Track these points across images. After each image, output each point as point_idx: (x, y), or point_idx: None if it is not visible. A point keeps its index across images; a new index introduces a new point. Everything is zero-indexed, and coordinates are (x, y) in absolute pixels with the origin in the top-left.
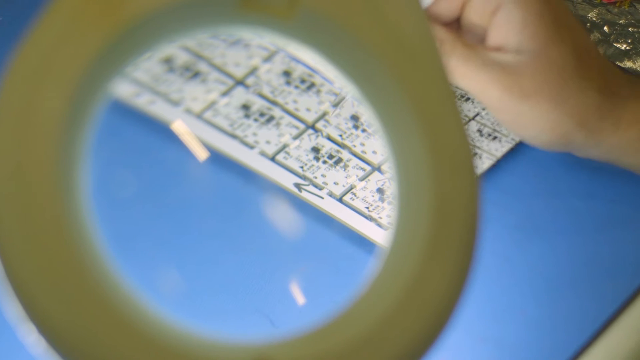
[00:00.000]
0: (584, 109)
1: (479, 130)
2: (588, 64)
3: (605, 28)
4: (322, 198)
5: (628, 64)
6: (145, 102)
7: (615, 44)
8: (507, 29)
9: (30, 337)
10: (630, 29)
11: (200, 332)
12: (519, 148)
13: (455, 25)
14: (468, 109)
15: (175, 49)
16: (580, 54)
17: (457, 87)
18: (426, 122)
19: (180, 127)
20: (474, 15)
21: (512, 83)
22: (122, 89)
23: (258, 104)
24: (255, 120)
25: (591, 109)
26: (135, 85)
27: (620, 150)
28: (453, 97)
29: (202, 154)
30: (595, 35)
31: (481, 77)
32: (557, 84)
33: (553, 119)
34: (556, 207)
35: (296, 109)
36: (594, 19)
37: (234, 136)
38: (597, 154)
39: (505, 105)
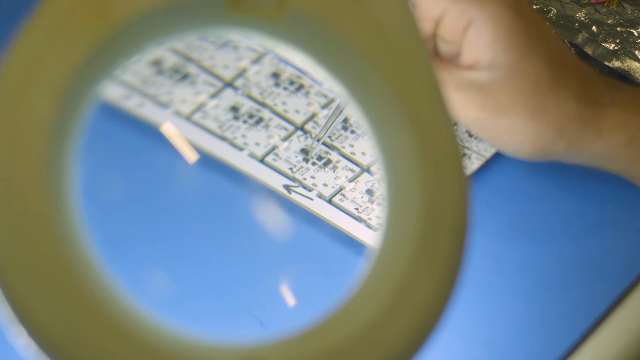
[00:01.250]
0: (563, 119)
1: (468, 131)
2: (565, 73)
3: (594, 28)
4: (312, 199)
5: (616, 63)
6: (135, 105)
7: (603, 44)
8: (479, 45)
9: (21, 340)
10: (618, 29)
11: (191, 333)
12: None
13: (431, 43)
14: None
15: (163, 51)
16: (556, 63)
17: None
18: (415, 123)
19: (170, 129)
20: (447, 33)
21: (487, 101)
22: (111, 92)
23: (247, 105)
24: (245, 122)
25: (571, 118)
26: (124, 87)
27: (604, 157)
28: (442, 97)
29: (191, 156)
30: (584, 35)
31: (457, 99)
32: (533, 96)
33: (532, 131)
34: (546, 208)
35: (285, 111)
36: (583, 18)
37: (223, 138)
38: (581, 161)
39: (483, 124)
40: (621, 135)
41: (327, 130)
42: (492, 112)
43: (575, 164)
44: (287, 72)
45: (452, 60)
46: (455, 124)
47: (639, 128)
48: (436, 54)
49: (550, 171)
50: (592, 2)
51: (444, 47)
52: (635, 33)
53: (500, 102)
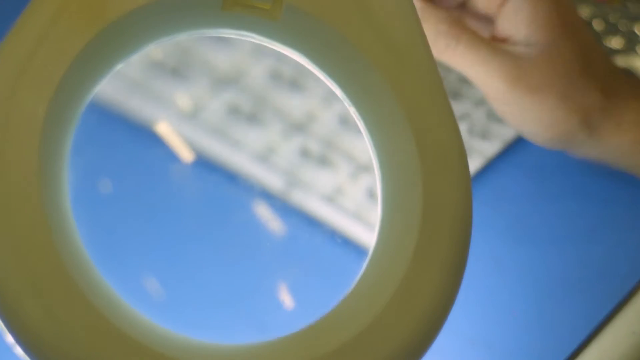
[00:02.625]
0: (588, 108)
1: (470, 130)
2: (593, 63)
3: (596, 26)
4: (311, 199)
5: (619, 61)
6: (131, 104)
7: (606, 42)
8: (516, 21)
9: (11, 338)
10: (621, 27)
11: (189, 336)
12: (510, 148)
13: (458, 11)
14: (458, 108)
15: (160, 49)
16: (586, 52)
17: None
18: (415, 122)
19: (166, 129)
20: (481, 4)
21: (519, 75)
22: (107, 91)
23: (247, 104)
24: (244, 121)
25: (595, 108)
26: (120, 86)
27: (620, 152)
28: (444, 96)
29: (189, 156)
30: None
31: (489, 67)
32: (564, 79)
33: (558, 115)
34: (548, 209)
35: (285, 110)
36: (585, 16)
37: (221, 137)
38: (595, 154)
39: (509, 98)
40: (639, 131)
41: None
42: (521, 87)
43: (588, 157)
44: (287, 71)
45: (485, 31)
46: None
47: None
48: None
49: (552, 171)
50: (595, 0)
51: (476, 17)
52: (638, 31)
53: (531, 79)
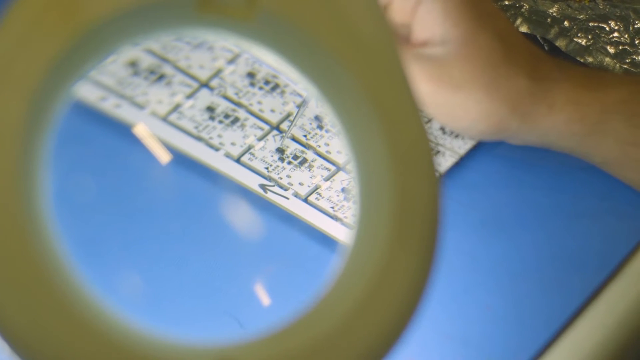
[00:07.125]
0: (516, 95)
1: (442, 128)
2: (515, 49)
3: (566, 23)
4: (288, 199)
5: (589, 59)
6: (110, 106)
7: (575, 39)
8: (429, 22)
9: None
10: (590, 24)
11: (164, 334)
12: (482, 145)
13: None
14: None
15: (139, 51)
16: (505, 39)
17: None
18: (386, 121)
19: (145, 130)
20: (397, 16)
21: (441, 75)
22: (86, 93)
23: (223, 105)
24: (220, 122)
25: (523, 93)
26: (100, 88)
27: (557, 133)
28: (412, 94)
29: (166, 157)
30: (556, 30)
31: (411, 73)
32: (487, 70)
33: (486, 107)
34: (520, 203)
35: (260, 110)
36: (555, 14)
37: (199, 138)
38: (533, 140)
39: (437, 99)
40: (573, 110)
41: (294, 123)
42: (446, 86)
43: (527, 143)
44: (263, 72)
45: (405, 41)
46: (429, 120)
47: (590, 104)
48: None
49: (524, 166)
50: None
51: (396, 31)
52: (607, 28)
53: (454, 76)
